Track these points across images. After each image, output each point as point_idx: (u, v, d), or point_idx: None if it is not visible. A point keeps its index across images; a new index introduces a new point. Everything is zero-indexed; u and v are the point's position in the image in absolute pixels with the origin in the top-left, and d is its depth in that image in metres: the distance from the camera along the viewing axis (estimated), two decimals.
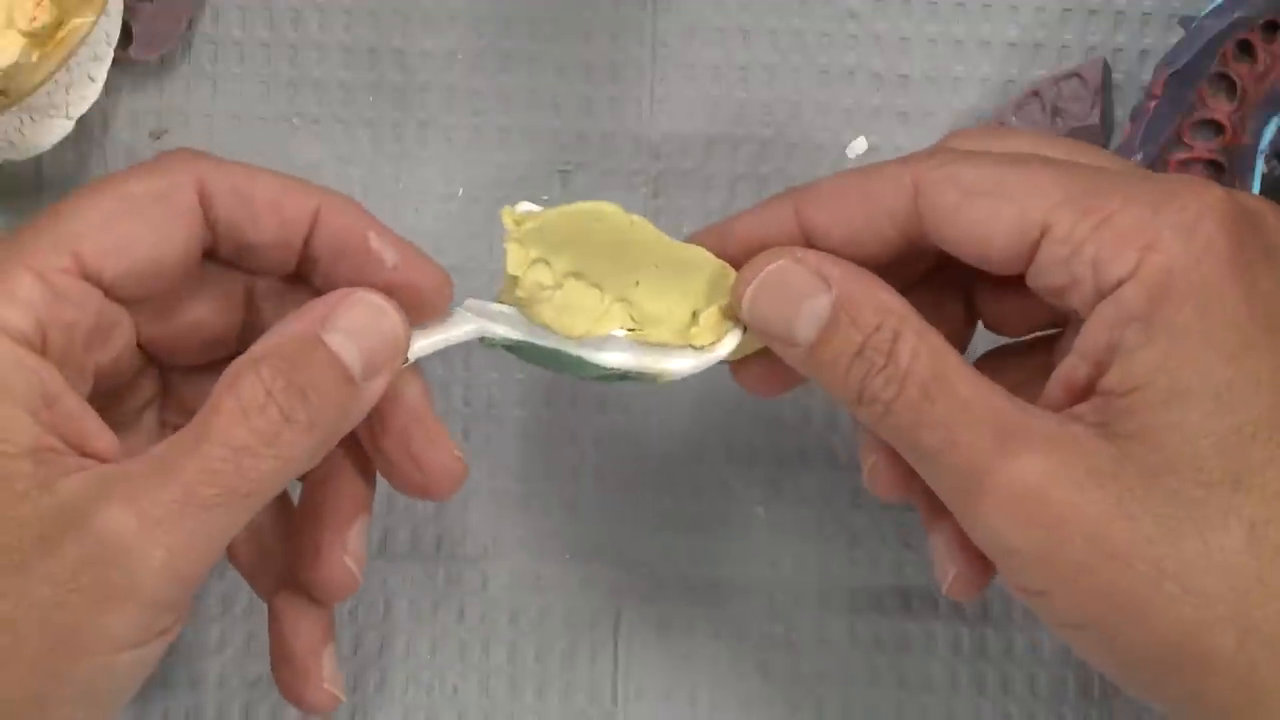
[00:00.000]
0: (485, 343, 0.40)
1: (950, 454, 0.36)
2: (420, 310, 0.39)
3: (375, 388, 0.37)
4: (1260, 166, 0.46)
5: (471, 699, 0.50)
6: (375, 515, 0.49)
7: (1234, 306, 0.35)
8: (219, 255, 0.39)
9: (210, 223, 0.38)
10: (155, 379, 0.40)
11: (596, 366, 0.40)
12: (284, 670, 0.41)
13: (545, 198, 0.50)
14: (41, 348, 0.35)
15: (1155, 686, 0.36)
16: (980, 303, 0.41)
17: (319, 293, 0.38)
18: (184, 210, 0.37)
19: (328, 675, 0.41)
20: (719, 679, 0.50)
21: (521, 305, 0.39)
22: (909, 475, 0.39)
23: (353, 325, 0.37)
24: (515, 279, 0.38)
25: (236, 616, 0.50)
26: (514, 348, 0.40)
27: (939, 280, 0.41)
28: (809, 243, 0.39)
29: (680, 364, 0.40)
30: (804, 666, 0.50)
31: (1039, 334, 0.41)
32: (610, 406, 0.50)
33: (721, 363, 0.40)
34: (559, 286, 0.39)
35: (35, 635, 0.33)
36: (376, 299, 0.38)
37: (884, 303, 0.37)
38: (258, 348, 0.36)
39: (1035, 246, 0.36)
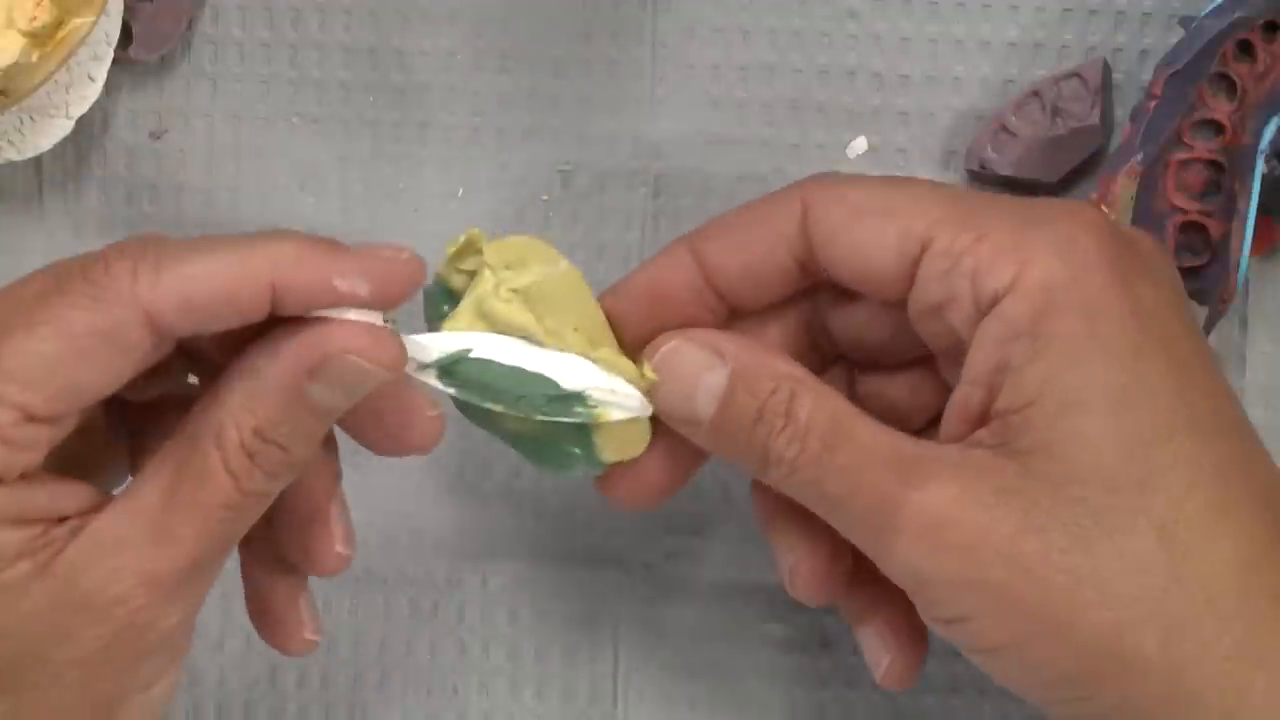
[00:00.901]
0: (428, 367, 0.38)
1: (857, 497, 0.36)
2: (399, 301, 0.38)
3: (354, 405, 0.37)
4: (1260, 166, 0.46)
5: (471, 699, 0.50)
6: (374, 515, 0.49)
7: (1119, 316, 0.35)
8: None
9: (162, 335, 0.36)
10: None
11: (552, 386, 0.38)
12: (261, 619, 0.41)
13: (545, 198, 0.50)
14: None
15: (1082, 702, 0.36)
16: (868, 401, 0.41)
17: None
18: (132, 345, 0.35)
19: (306, 622, 0.41)
20: (719, 680, 0.50)
21: (497, 301, 0.38)
22: (828, 573, 0.40)
23: (336, 381, 0.36)
24: (488, 272, 0.38)
25: (236, 616, 0.50)
26: (460, 373, 0.38)
27: (828, 380, 0.41)
28: (709, 281, 0.39)
29: (627, 398, 0.39)
30: (804, 666, 0.50)
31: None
32: None
33: (600, 467, 0.40)
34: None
35: (77, 709, 0.36)
36: (361, 363, 0.36)
37: (778, 369, 0.38)
38: (237, 404, 0.35)
39: (916, 264, 0.37)
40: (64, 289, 0.35)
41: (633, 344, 0.40)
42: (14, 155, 0.48)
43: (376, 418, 0.38)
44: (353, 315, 0.36)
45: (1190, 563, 0.34)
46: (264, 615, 0.40)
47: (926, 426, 0.41)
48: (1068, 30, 0.50)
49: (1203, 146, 0.47)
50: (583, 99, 0.50)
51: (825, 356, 0.42)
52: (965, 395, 0.36)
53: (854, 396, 0.42)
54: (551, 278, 0.39)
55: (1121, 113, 0.49)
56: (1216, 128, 0.47)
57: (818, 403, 0.37)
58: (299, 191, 0.50)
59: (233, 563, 0.43)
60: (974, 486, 0.35)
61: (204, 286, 0.35)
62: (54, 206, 0.51)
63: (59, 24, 0.46)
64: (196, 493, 0.35)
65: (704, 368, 0.38)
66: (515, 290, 0.39)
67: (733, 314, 0.41)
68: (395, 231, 0.50)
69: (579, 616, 0.50)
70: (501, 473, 0.50)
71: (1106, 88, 0.49)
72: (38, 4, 0.45)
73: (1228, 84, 0.47)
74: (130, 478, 0.41)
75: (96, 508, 0.36)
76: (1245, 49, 0.46)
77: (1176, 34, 0.48)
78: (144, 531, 0.35)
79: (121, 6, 0.48)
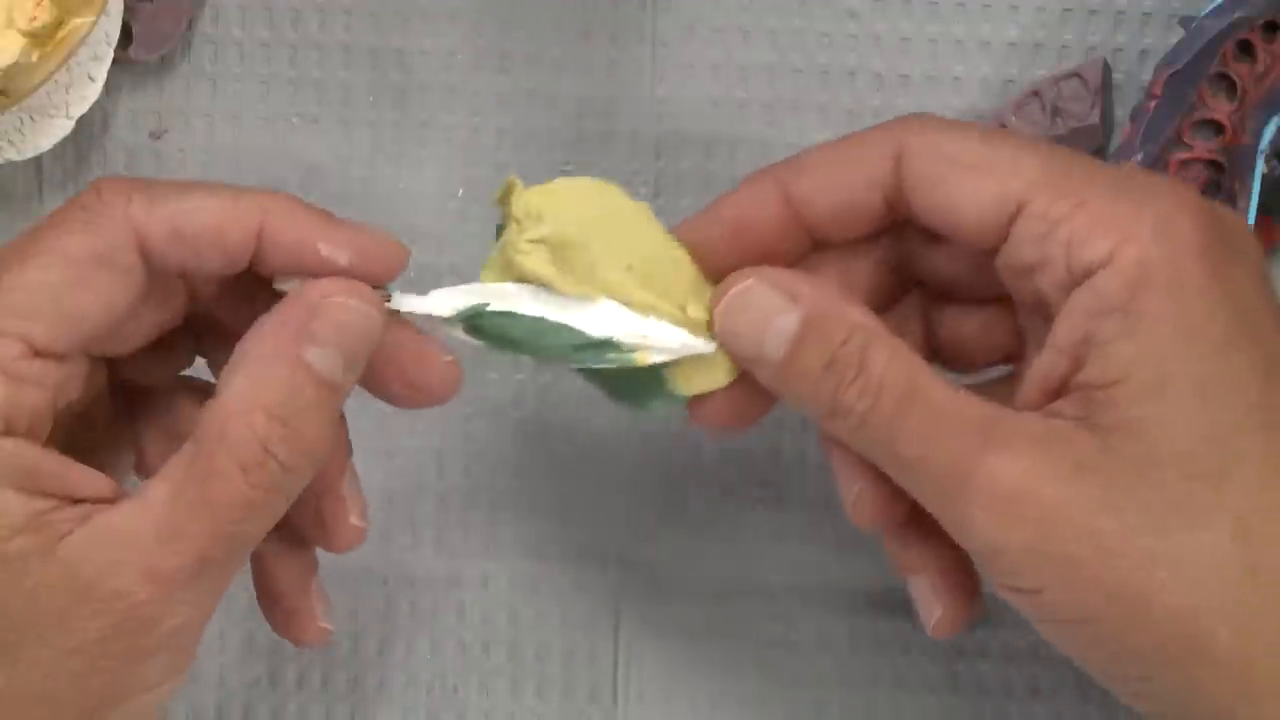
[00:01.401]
0: (454, 319, 0.38)
1: (931, 460, 0.36)
2: (378, 279, 0.38)
3: (356, 377, 0.37)
4: (1260, 166, 0.46)
5: (471, 699, 0.50)
6: (374, 515, 0.49)
7: (1212, 303, 0.35)
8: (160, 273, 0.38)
9: (152, 266, 0.37)
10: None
11: (578, 335, 0.38)
12: (273, 610, 0.41)
13: None
14: (8, 429, 0.35)
15: (1149, 682, 0.36)
16: (938, 331, 0.41)
17: (268, 280, 0.38)
18: (128, 268, 0.36)
19: (319, 610, 0.41)
20: (719, 679, 0.50)
21: (515, 253, 0.38)
22: (890, 505, 0.39)
23: (331, 334, 0.36)
24: (515, 223, 0.38)
25: (236, 617, 0.50)
26: (484, 328, 0.38)
27: (902, 309, 0.41)
28: (796, 217, 0.39)
29: (665, 338, 0.39)
30: (804, 667, 0.50)
31: (992, 380, 0.41)
32: (608, 406, 0.50)
33: (679, 401, 0.40)
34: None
35: (74, 701, 0.35)
36: (351, 301, 0.37)
37: (852, 317, 0.37)
38: (239, 391, 0.35)
39: (1010, 222, 0.36)
40: (57, 218, 0.36)
41: (712, 275, 0.39)
42: (14, 155, 0.48)
43: (396, 368, 0.38)
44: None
45: (1265, 557, 0.34)
46: (276, 604, 0.40)
47: (988, 366, 0.41)
48: (1068, 30, 0.50)
49: (1203, 146, 0.47)
50: (583, 99, 0.50)
51: (904, 283, 0.41)
52: (1049, 363, 0.36)
53: (926, 325, 0.41)
54: (590, 220, 0.38)
55: (1121, 113, 0.49)
56: (1216, 128, 0.47)
57: (893, 358, 0.36)
58: (299, 191, 0.50)
59: None
60: (1053, 459, 0.35)
61: (194, 219, 0.36)
62: (54, 206, 0.50)
63: (59, 24, 0.46)
64: (205, 490, 0.35)
65: (776, 310, 0.37)
66: (536, 240, 0.38)
67: (815, 246, 0.40)
68: (395, 231, 0.50)
69: (579, 616, 0.50)
70: (502, 472, 0.50)
71: (1106, 88, 0.49)
72: (38, 4, 0.45)
73: (1228, 84, 0.47)
74: (135, 470, 0.41)
75: (111, 499, 0.36)
76: (1245, 49, 0.46)
77: (1176, 34, 0.48)
78: (151, 527, 0.35)
79: (121, 6, 0.48)
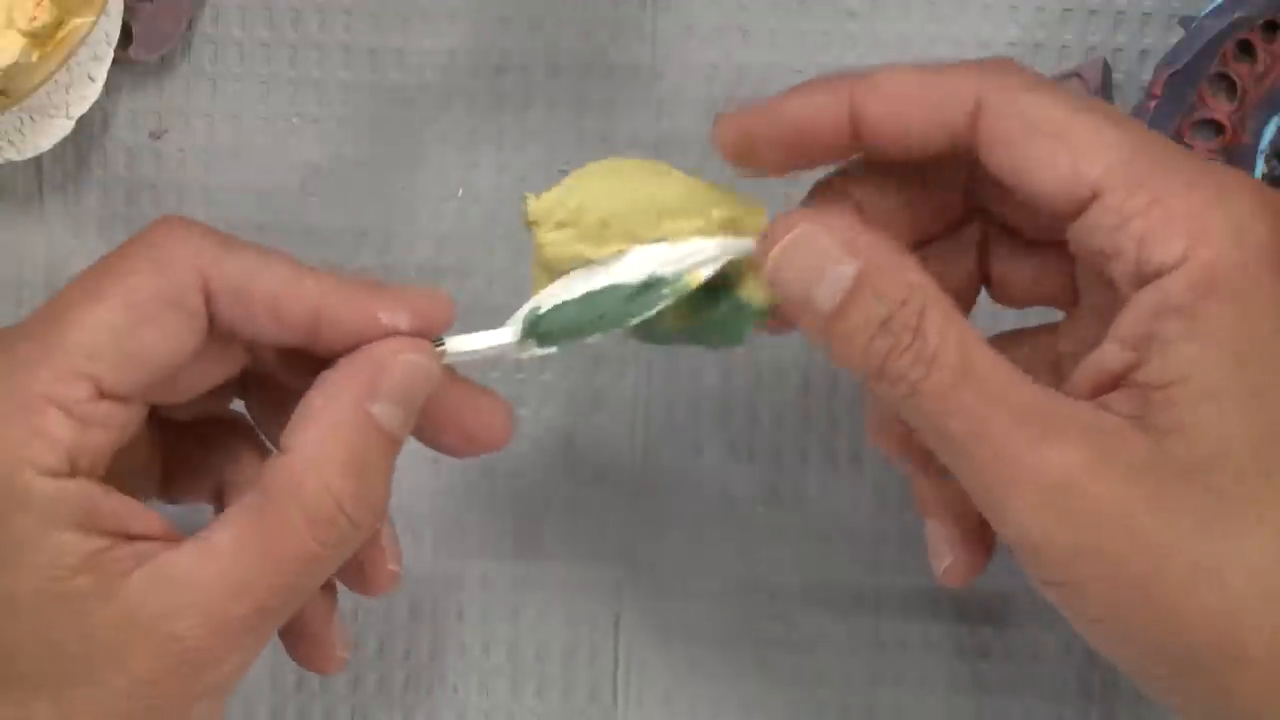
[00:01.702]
0: (522, 342, 0.39)
1: (980, 442, 0.35)
2: (437, 332, 0.38)
3: (410, 430, 0.38)
4: (1260, 166, 0.46)
5: (471, 699, 0.50)
6: None
7: (1276, 310, 0.34)
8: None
9: (214, 317, 0.37)
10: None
11: (623, 288, 0.38)
12: (297, 644, 0.41)
13: None
14: (72, 470, 0.35)
15: (1181, 682, 0.35)
16: (992, 264, 0.41)
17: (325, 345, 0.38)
18: (193, 312, 0.36)
19: (339, 641, 0.41)
20: (719, 679, 0.50)
21: (542, 248, 0.38)
22: (905, 437, 0.38)
23: (396, 390, 0.37)
24: (535, 226, 0.38)
25: None
26: (547, 331, 0.38)
27: (959, 237, 0.40)
28: (857, 134, 0.37)
29: (704, 251, 0.38)
30: (804, 666, 0.50)
31: (1036, 326, 0.41)
32: (608, 406, 0.50)
33: (764, 314, 0.39)
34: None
35: None
36: (414, 356, 0.37)
37: (912, 277, 0.36)
38: (311, 446, 0.36)
39: (1084, 205, 0.35)
40: (125, 255, 0.36)
41: (753, 167, 0.39)
42: (14, 155, 0.48)
43: (453, 421, 0.39)
44: None
45: None
46: (300, 638, 0.40)
47: (1035, 305, 0.40)
48: (1068, 30, 0.50)
49: (1203, 146, 0.47)
50: (583, 99, 0.50)
51: (966, 210, 0.40)
52: (1109, 355, 0.35)
53: (981, 255, 0.40)
54: (600, 187, 0.38)
55: (1121, 113, 0.49)
56: (1216, 128, 0.47)
57: (948, 326, 0.35)
58: (299, 191, 0.50)
59: None
60: (1106, 455, 0.34)
61: (256, 282, 0.36)
62: (54, 206, 0.51)
63: (59, 24, 0.46)
64: (273, 543, 0.35)
65: (832, 259, 0.36)
66: (555, 226, 0.38)
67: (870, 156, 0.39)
68: (395, 231, 0.50)
69: (579, 616, 0.50)
70: (503, 473, 0.50)
71: (1106, 88, 0.49)
72: (38, 4, 0.45)
73: (1228, 84, 0.47)
74: (159, 495, 0.41)
75: (165, 536, 0.36)
76: (1245, 49, 0.46)
77: (1176, 34, 0.48)
78: (215, 575, 0.35)
79: (121, 6, 0.48)
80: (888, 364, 0.35)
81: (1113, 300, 0.36)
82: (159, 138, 0.51)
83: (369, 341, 0.37)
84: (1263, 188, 0.35)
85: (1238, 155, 0.46)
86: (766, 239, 0.37)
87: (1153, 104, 0.47)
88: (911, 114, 0.37)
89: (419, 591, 0.50)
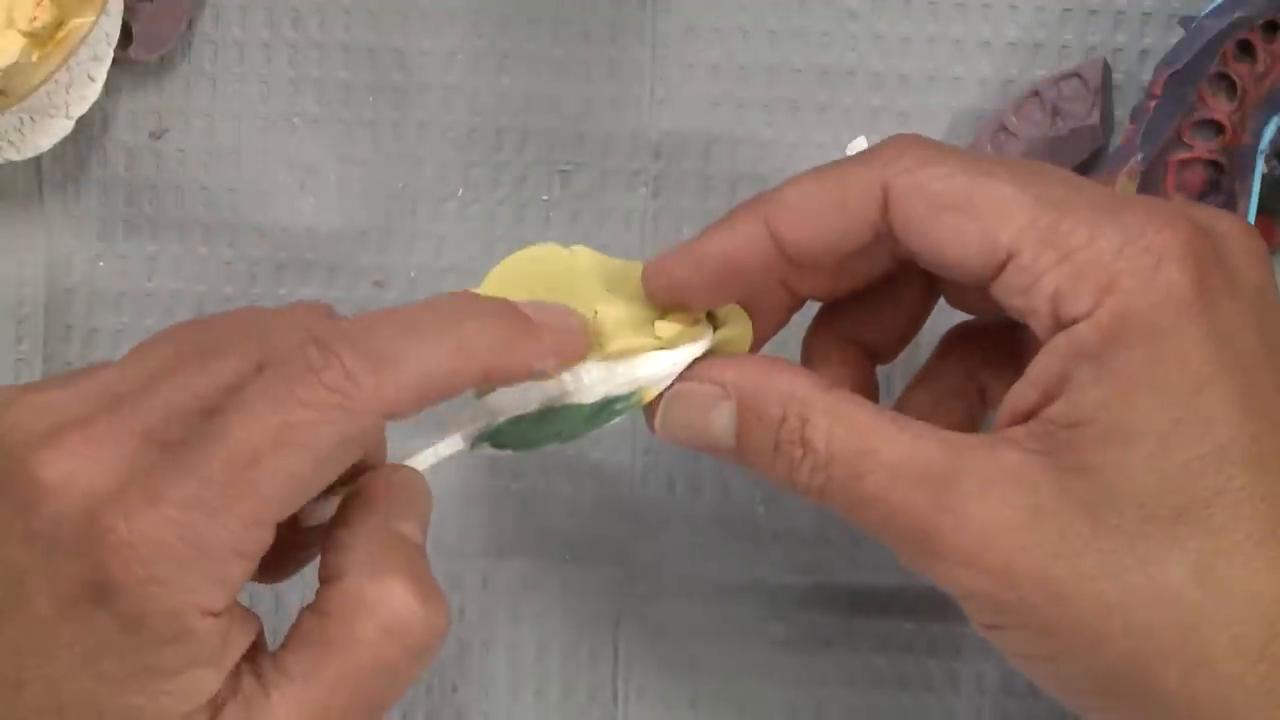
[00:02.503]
0: (474, 449, 0.39)
1: (893, 525, 0.36)
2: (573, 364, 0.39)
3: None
4: (1260, 166, 0.46)
5: (471, 699, 0.50)
6: None
7: (1189, 349, 0.34)
8: None
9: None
10: None
11: (581, 408, 0.39)
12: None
13: (545, 198, 0.50)
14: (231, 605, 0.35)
15: (1108, 714, 0.37)
16: (943, 286, 0.42)
17: None
18: (367, 445, 0.36)
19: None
20: (719, 679, 0.50)
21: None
22: None
23: (409, 510, 0.38)
24: None
25: None
26: (499, 437, 0.39)
27: (947, 369, 0.42)
28: (782, 256, 0.38)
29: (653, 368, 0.39)
30: (804, 666, 0.50)
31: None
32: None
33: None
34: None
35: None
36: (412, 475, 0.39)
37: (784, 391, 0.37)
38: (358, 563, 0.36)
39: (1000, 268, 0.36)
40: (309, 401, 0.34)
41: (700, 305, 0.40)
42: (14, 155, 0.48)
43: None
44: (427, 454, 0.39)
45: (1222, 598, 0.34)
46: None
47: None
48: (1068, 30, 0.50)
49: (1203, 146, 0.47)
50: (583, 99, 0.50)
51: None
52: (1021, 395, 0.36)
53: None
54: (552, 280, 0.39)
55: (1121, 113, 0.49)
56: (1216, 128, 0.47)
57: (834, 425, 0.37)
58: (299, 191, 0.51)
59: None
60: (1009, 509, 0.35)
61: (434, 382, 0.35)
62: (54, 206, 0.51)
63: (59, 24, 0.46)
64: (346, 661, 0.35)
65: (710, 403, 0.38)
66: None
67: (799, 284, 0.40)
68: (395, 231, 0.50)
69: (579, 616, 0.50)
70: (502, 472, 0.50)
71: (1106, 88, 0.49)
72: (38, 4, 0.45)
73: (1228, 84, 0.47)
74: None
75: (256, 639, 0.36)
76: (1245, 49, 0.46)
77: (1176, 34, 0.48)
78: (294, 702, 0.35)
79: (121, 6, 0.48)
80: (793, 477, 0.37)
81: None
82: (159, 138, 0.51)
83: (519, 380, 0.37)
84: (1175, 218, 0.35)
85: (1238, 155, 0.46)
86: (651, 410, 0.39)
87: (1152, 104, 0.47)
88: (829, 226, 0.38)
89: None
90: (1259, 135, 0.46)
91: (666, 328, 0.39)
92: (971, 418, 0.42)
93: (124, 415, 0.35)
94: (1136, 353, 0.34)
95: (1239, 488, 0.34)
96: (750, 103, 0.50)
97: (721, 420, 0.38)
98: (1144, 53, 0.50)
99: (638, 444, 0.50)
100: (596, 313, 0.39)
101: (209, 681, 0.35)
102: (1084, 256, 0.35)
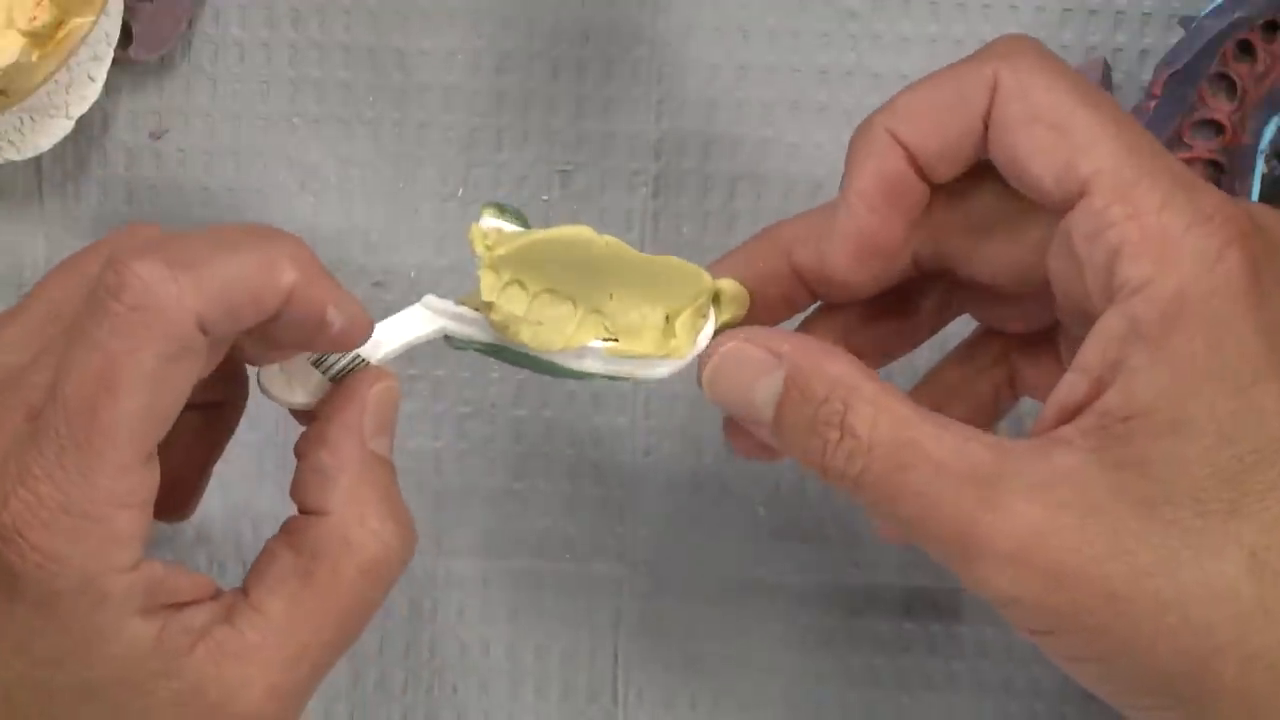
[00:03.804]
0: (453, 344, 0.39)
1: (933, 520, 0.35)
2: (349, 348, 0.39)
3: None
4: (1260, 166, 0.46)
5: (471, 699, 0.50)
6: None
7: (1246, 340, 0.34)
8: None
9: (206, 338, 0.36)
10: None
11: (572, 371, 0.39)
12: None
13: (545, 198, 0.50)
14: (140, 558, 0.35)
15: (1160, 711, 0.36)
16: (965, 300, 0.41)
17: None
18: (198, 353, 0.35)
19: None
20: (719, 679, 0.50)
21: (497, 328, 0.39)
22: None
23: (384, 423, 0.38)
24: (489, 304, 0.38)
25: None
26: (487, 350, 0.40)
27: (979, 349, 0.42)
28: (912, 161, 0.38)
29: (656, 371, 0.39)
30: (804, 666, 0.50)
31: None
32: (608, 406, 0.50)
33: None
34: (533, 299, 0.39)
35: None
36: (382, 386, 0.38)
37: (832, 373, 0.36)
38: (344, 504, 0.37)
39: (1073, 200, 0.35)
40: (117, 330, 0.34)
41: (891, 247, 0.39)
42: (14, 155, 0.48)
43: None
44: (341, 360, 0.39)
45: (1278, 591, 0.34)
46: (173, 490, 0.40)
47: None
48: (1068, 30, 0.50)
49: (1203, 146, 0.47)
50: (583, 99, 0.50)
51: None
52: (1071, 386, 0.35)
53: (1008, 367, 0.41)
54: (575, 262, 0.39)
55: (1124, 112, 0.49)
56: (1216, 127, 0.47)
57: (879, 414, 0.36)
58: (299, 191, 0.51)
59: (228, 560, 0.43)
60: (1059, 508, 0.34)
61: (239, 290, 0.35)
62: (54, 206, 0.51)
63: (59, 24, 0.46)
64: (330, 602, 0.36)
65: (761, 370, 0.37)
66: (509, 283, 0.38)
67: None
68: (395, 231, 0.50)
69: (579, 614, 0.50)
70: (502, 472, 0.50)
71: (1106, 88, 0.49)
72: (38, 4, 0.45)
73: (1227, 84, 0.47)
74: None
75: (211, 596, 0.36)
76: (1245, 49, 0.46)
77: (1176, 34, 0.48)
78: (274, 646, 0.36)
79: (121, 6, 0.48)
80: (826, 462, 0.36)
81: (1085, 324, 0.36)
82: (159, 138, 0.51)
83: (308, 334, 0.37)
84: (1239, 213, 0.35)
85: (1238, 155, 0.46)
86: (700, 363, 0.39)
87: (1152, 104, 0.47)
88: (942, 118, 0.37)
89: (419, 591, 0.50)
90: (1259, 135, 0.46)
91: (680, 346, 0.39)
92: (997, 402, 0.42)
93: (3, 399, 0.36)
94: (1196, 339, 0.34)
95: None
96: (750, 103, 0.50)
97: (768, 389, 0.37)
98: (1144, 53, 0.50)
99: (638, 444, 0.50)
100: (612, 296, 0.39)
101: (145, 630, 0.35)
102: (1154, 221, 0.34)
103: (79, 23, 0.46)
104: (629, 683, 0.50)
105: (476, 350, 0.39)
